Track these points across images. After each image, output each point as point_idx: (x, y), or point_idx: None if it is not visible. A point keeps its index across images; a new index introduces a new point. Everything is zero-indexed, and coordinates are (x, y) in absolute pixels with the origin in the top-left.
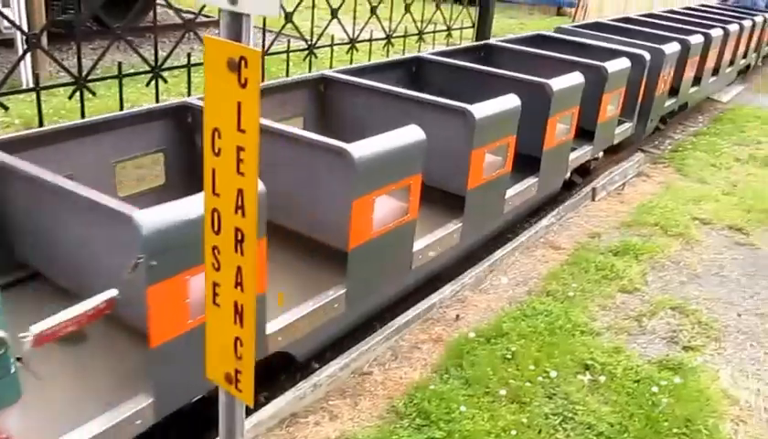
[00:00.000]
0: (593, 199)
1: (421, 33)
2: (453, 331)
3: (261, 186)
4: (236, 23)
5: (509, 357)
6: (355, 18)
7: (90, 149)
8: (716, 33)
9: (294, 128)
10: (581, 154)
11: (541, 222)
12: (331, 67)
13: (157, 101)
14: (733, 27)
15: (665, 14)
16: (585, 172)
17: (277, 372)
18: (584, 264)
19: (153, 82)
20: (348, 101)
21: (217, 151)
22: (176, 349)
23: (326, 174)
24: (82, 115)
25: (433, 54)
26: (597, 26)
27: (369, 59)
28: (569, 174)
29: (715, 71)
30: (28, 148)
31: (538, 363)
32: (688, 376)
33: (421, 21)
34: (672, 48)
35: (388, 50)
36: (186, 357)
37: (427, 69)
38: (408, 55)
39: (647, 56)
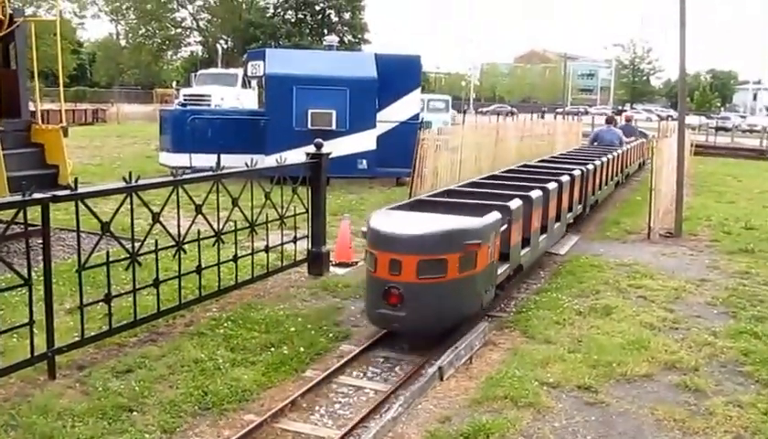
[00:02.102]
0: (441, 379)
1: (252, 225)
2: None
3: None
4: None
5: None
6: (179, 218)
7: None
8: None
9: None
10: None
11: (388, 414)
12: (157, 273)
13: None
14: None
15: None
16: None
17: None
18: None
19: None
20: None
21: None
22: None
23: None
24: None
25: None
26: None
27: (200, 262)
28: None
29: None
30: None
31: None
32: None
33: (252, 211)
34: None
35: (218, 248)
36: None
37: None
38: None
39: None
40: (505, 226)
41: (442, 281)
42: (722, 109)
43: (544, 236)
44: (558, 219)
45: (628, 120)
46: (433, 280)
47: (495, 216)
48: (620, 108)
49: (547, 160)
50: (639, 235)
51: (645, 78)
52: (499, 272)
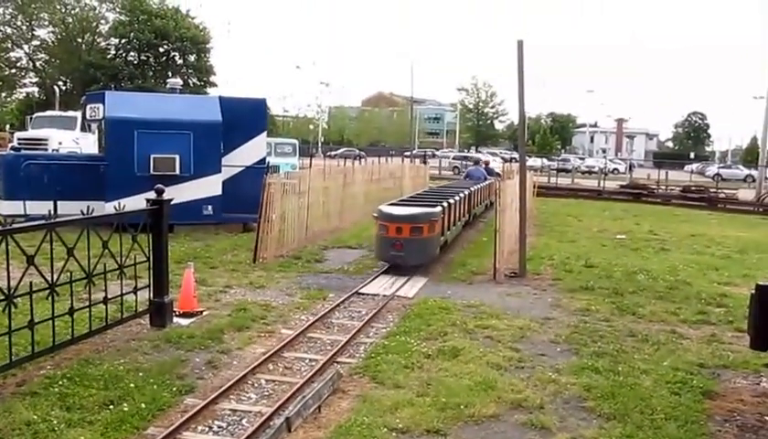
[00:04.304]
0: (289, 430)
1: (89, 276)
2: None
3: None
4: None
5: None
6: (9, 270)
7: None
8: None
9: None
10: None
11: None
12: None
13: None
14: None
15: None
16: None
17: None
18: None
19: None
20: None
21: None
22: (446, 230)
23: None
24: None
25: None
26: None
27: (32, 316)
28: None
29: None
30: None
31: None
32: None
33: (89, 260)
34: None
35: (53, 301)
36: (446, 231)
37: None
38: None
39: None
40: (443, 215)
41: (421, 237)
42: (563, 151)
43: (455, 227)
44: (459, 219)
45: (486, 163)
46: (417, 237)
47: (439, 208)
48: (466, 151)
49: (444, 186)
50: (485, 276)
51: (489, 121)
52: (441, 239)
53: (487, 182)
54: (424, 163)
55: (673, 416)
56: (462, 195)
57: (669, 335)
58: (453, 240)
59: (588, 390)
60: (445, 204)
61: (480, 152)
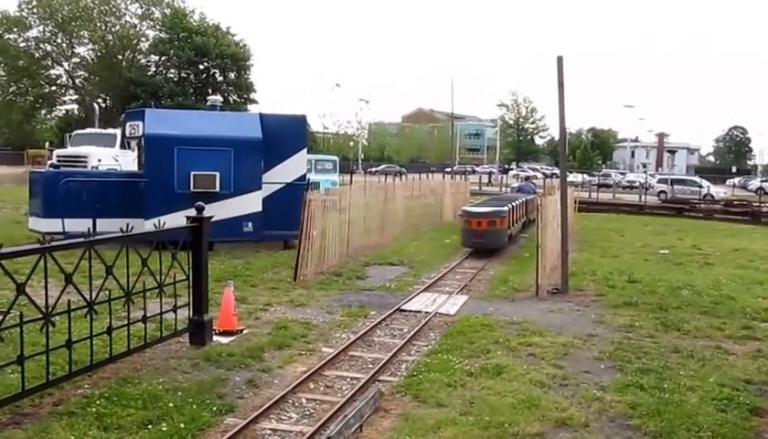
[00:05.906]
0: None
1: (128, 294)
2: None
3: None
4: None
5: None
6: (47, 288)
7: None
8: (530, 197)
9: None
10: None
11: None
12: (22, 349)
13: None
14: (533, 195)
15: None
16: None
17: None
18: None
19: None
20: None
21: None
22: (511, 225)
23: None
24: None
25: None
26: None
27: (70, 335)
28: None
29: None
30: None
31: None
32: None
33: (128, 278)
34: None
35: (91, 319)
36: (511, 226)
37: None
38: None
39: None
40: (509, 213)
41: (495, 228)
42: (603, 166)
43: (517, 224)
44: (519, 220)
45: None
46: (493, 228)
47: (507, 207)
48: (506, 166)
49: (503, 193)
50: (527, 292)
51: (529, 137)
52: (508, 232)
53: (536, 195)
54: (489, 181)
55: (720, 434)
56: (520, 201)
57: (715, 351)
58: (516, 234)
59: (633, 408)
60: (510, 206)
61: (520, 167)
